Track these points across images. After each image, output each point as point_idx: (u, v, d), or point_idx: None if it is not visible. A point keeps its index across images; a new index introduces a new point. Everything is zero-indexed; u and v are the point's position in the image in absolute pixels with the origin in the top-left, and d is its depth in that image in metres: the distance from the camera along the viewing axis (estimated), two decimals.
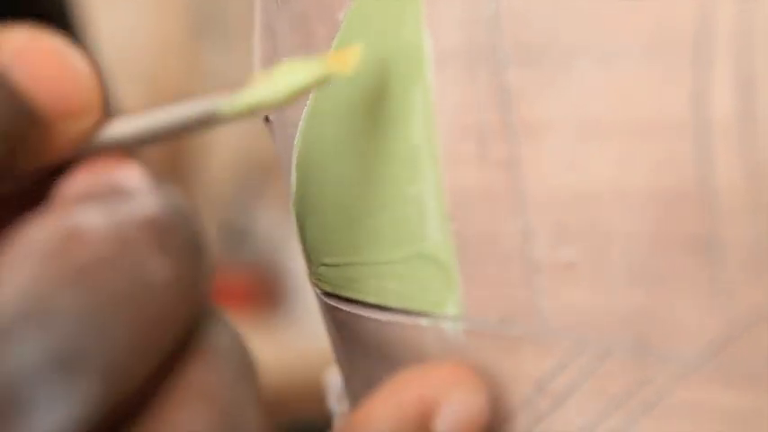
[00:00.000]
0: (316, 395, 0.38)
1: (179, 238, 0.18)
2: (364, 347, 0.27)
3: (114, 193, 0.19)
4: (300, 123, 0.27)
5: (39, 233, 0.17)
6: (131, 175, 0.20)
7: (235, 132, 1.10)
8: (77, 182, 0.20)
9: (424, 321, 0.24)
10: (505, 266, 0.21)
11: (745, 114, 0.17)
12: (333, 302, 0.28)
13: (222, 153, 1.15)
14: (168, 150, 1.13)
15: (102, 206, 0.18)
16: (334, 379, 0.38)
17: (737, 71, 0.17)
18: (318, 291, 0.29)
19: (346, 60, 0.21)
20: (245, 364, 0.19)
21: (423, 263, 0.23)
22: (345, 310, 0.27)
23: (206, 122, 0.22)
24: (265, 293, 1.19)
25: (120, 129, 0.21)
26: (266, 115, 0.33)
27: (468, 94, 0.21)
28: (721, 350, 0.18)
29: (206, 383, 0.18)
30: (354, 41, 0.24)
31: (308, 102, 0.27)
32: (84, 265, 0.17)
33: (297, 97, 0.21)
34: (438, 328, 0.23)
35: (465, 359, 0.23)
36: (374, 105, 0.23)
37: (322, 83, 0.21)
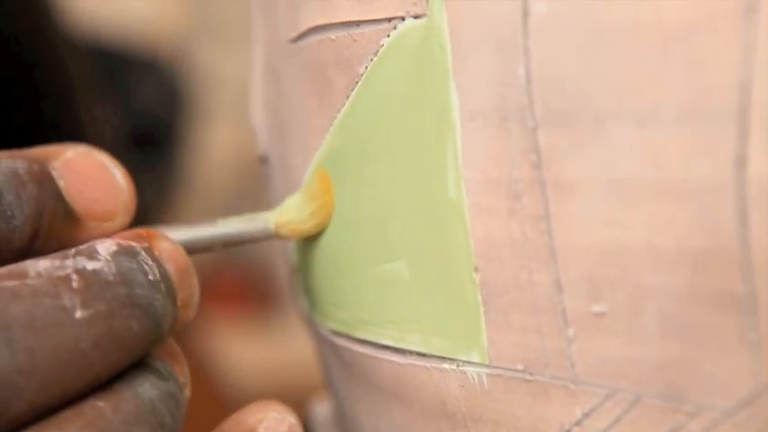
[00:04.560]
0: (308, 397, 0.38)
1: (110, 296, 0.22)
2: (376, 387, 0.27)
3: (79, 251, 0.23)
4: (311, 166, 0.28)
5: None
6: (107, 241, 0.24)
7: (231, 133, 1.10)
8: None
9: (446, 366, 0.24)
10: (534, 315, 0.22)
11: None
12: (342, 342, 0.28)
13: (218, 153, 1.15)
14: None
15: (58, 255, 0.23)
16: (318, 409, 0.38)
17: None
18: (325, 329, 0.29)
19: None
20: (160, 421, 0.23)
21: (447, 309, 0.24)
22: (356, 351, 0.28)
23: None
24: (260, 294, 1.18)
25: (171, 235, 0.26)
26: (263, 154, 0.33)
27: (498, 151, 0.22)
28: (753, 401, 0.19)
29: (100, 420, 0.22)
30: (377, 92, 0.25)
31: (320, 146, 0.27)
32: (14, 287, 0.21)
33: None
34: (461, 373, 0.24)
35: (488, 403, 0.24)
36: (402, 156, 0.24)
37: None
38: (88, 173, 0.25)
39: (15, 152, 0.24)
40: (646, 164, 0.20)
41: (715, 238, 0.19)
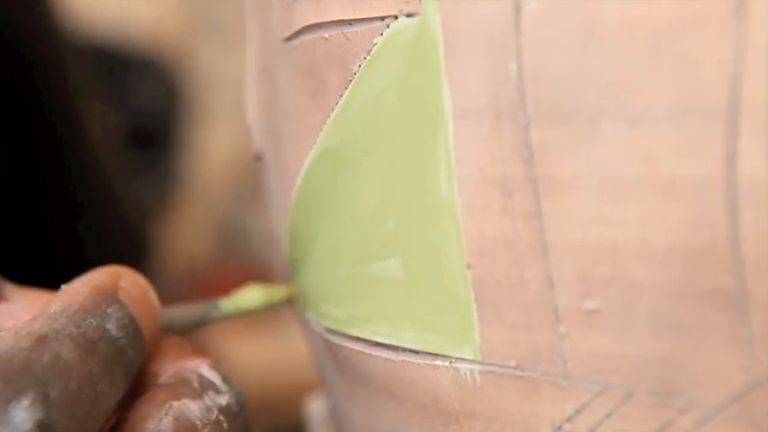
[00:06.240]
0: (305, 395, 0.39)
1: (241, 420, 0.26)
2: (371, 384, 0.28)
3: (200, 383, 0.26)
4: (305, 165, 0.28)
5: (154, 411, 0.24)
6: (205, 368, 0.26)
7: (230, 132, 1.10)
8: (166, 369, 0.26)
9: (439, 362, 0.24)
10: (527, 312, 0.22)
11: None
12: (336, 339, 0.29)
13: (218, 153, 1.15)
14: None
15: (194, 396, 0.25)
16: (315, 406, 0.38)
17: None
18: (319, 327, 0.30)
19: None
20: None
21: (439, 306, 0.24)
22: (350, 348, 0.28)
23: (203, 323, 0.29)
24: None
25: None
26: (258, 153, 0.33)
27: (491, 149, 0.22)
28: (744, 396, 0.19)
29: None
30: (370, 90, 0.25)
31: (314, 145, 0.27)
32: None
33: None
34: (453, 370, 0.24)
35: (481, 399, 0.24)
36: (396, 154, 0.24)
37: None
38: (140, 300, 0.26)
39: (99, 290, 0.25)
40: (638, 161, 0.20)
41: (706, 235, 0.19)
